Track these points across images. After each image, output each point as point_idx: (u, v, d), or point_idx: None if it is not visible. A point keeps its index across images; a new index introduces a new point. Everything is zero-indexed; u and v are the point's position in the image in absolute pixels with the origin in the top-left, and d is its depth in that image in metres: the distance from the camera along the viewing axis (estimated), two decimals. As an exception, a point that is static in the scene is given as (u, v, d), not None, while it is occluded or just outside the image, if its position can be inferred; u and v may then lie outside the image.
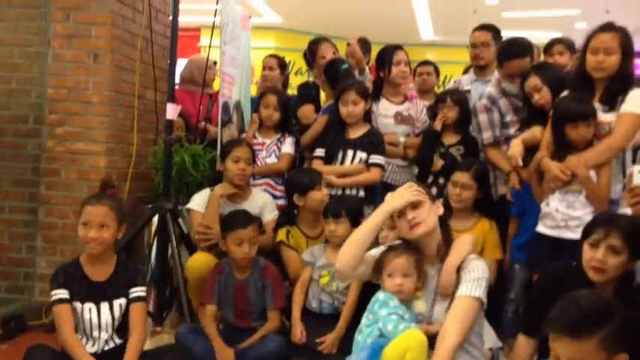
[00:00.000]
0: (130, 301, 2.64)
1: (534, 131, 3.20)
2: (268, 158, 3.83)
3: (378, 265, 2.44)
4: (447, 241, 2.45)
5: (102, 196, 2.81)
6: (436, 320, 2.37)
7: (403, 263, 2.37)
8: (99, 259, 2.63)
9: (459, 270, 2.34)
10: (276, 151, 3.86)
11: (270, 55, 5.02)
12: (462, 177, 3.25)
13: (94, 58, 3.84)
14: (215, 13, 4.08)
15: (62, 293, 2.57)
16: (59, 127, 3.85)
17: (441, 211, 2.46)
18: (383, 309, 2.33)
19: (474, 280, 2.29)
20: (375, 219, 2.44)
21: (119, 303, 2.63)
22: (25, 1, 3.91)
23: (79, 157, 3.82)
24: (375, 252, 2.50)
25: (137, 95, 4.05)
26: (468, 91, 3.97)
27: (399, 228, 2.45)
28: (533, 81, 3.24)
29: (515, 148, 3.16)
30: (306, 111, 4.18)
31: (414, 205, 2.38)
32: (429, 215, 2.39)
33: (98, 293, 2.61)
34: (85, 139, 3.82)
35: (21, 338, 3.34)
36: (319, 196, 3.27)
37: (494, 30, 4.04)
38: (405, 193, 2.41)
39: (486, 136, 3.59)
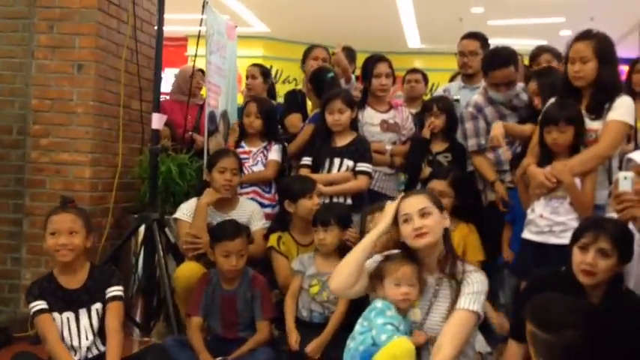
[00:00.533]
0: (106, 302, 2.62)
1: (525, 127, 3.24)
2: (255, 166, 3.82)
3: (377, 274, 2.42)
4: (449, 252, 2.42)
5: (66, 206, 2.79)
6: (429, 329, 2.36)
7: (409, 272, 2.35)
8: (72, 268, 2.62)
9: (459, 281, 2.34)
10: (262, 159, 3.84)
11: (253, 65, 5.02)
12: (438, 185, 3.27)
13: (78, 69, 3.82)
14: (200, 22, 4.08)
15: (40, 304, 2.56)
16: (43, 138, 3.83)
17: (447, 223, 2.43)
18: (379, 317, 2.31)
19: (474, 294, 2.30)
20: (368, 240, 2.43)
21: (96, 308, 2.61)
22: (9, 12, 3.90)
23: (64, 168, 3.80)
24: (370, 262, 2.48)
25: (122, 105, 4.04)
26: (457, 100, 3.98)
27: (402, 233, 2.40)
28: (533, 86, 3.35)
29: (497, 130, 3.23)
30: (293, 120, 4.18)
31: (423, 214, 2.35)
32: (436, 226, 2.36)
33: (75, 301, 2.60)
34: (70, 150, 3.80)
35: (6, 350, 3.29)
36: (310, 204, 3.26)
37: (482, 38, 4.09)
38: (390, 210, 2.41)
39: (471, 143, 3.61)
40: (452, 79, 4.71)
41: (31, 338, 3.39)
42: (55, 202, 3.72)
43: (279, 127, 4.23)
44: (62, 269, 2.63)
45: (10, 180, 3.84)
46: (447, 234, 2.43)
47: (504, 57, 3.54)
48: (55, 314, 2.57)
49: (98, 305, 2.61)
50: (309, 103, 4.32)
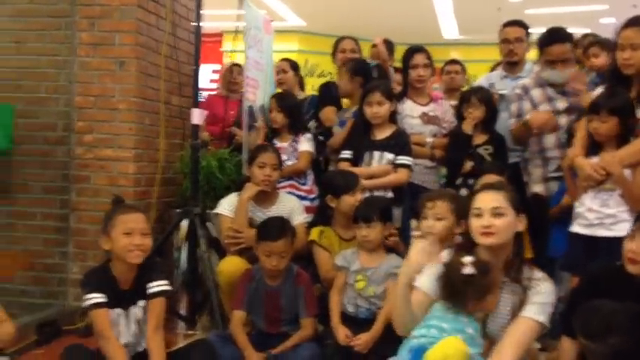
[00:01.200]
0: (149, 298, 2.60)
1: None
2: (288, 161, 3.82)
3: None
4: (518, 257, 2.33)
5: (133, 205, 2.79)
6: (488, 331, 2.30)
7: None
8: (128, 267, 2.59)
9: (525, 287, 2.26)
10: (293, 152, 3.85)
11: (282, 59, 5.03)
12: (493, 180, 3.19)
13: (119, 66, 3.87)
14: (237, 17, 4.09)
15: (98, 297, 2.53)
16: (87, 135, 3.89)
17: (521, 227, 2.33)
18: (434, 319, 2.22)
19: (542, 304, 2.23)
20: (402, 280, 2.39)
21: (143, 304, 2.60)
22: (51, 11, 3.96)
23: (108, 164, 3.85)
24: (427, 286, 2.33)
25: (163, 101, 4.08)
26: (502, 95, 3.92)
27: (471, 226, 2.31)
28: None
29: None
30: (327, 113, 4.17)
31: (496, 213, 2.25)
32: (507, 228, 2.26)
33: (126, 298, 2.59)
34: (114, 146, 3.85)
35: (56, 343, 3.36)
36: (352, 201, 3.23)
37: (525, 26, 4.07)
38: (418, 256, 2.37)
39: (511, 122, 3.62)
40: (493, 69, 4.65)
41: (80, 330, 3.46)
42: (99, 198, 3.83)
43: (315, 120, 4.24)
44: (119, 266, 2.59)
45: (56, 176, 3.91)
46: (518, 237, 2.33)
47: (562, 34, 3.56)
48: (109, 309, 2.56)
49: (144, 302, 2.60)
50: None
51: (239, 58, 4.51)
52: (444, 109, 3.95)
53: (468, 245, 2.35)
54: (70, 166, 3.89)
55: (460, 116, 3.71)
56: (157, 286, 2.60)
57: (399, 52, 4.16)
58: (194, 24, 4.11)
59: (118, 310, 2.58)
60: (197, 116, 3.73)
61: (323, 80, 4.69)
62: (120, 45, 3.87)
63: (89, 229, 3.85)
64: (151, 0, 3.99)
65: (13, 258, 3.63)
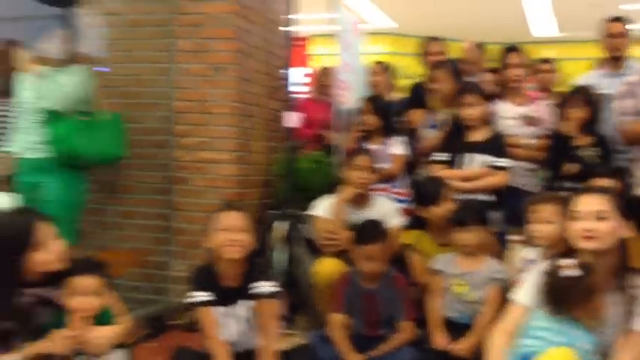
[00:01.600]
0: (257, 299, 2.61)
1: None
2: (379, 164, 3.82)
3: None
4: (623, 265, 2.22)
5: (235, 204, 2.87)
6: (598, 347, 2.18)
7: None
8: (233, 265, 2.63)
9: (633, 296, 2.15)
10: (384, 155, 3.84)
11: (375, 62, 5.04)
12: (606, 183, 3.09)
13: (217, 71, 3.99)
14: (325, 22, 4.14)
15: (203, 295, 2.60)
16: (187, 138, 4.02)
17: (627, 233, 2.22)
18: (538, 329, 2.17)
19: None
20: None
21: (248, 304, 2.62)
22: (152, 20, 4.13)
23: (207, 166, 3.97)
24: (526, 298, 2.25)
25: (259, 105, 4.18)
26: (605, 94, 3.79)
27: (569, 230, 2.22)
28: None
29: None
30: (414, 115, 4.15)
31: (600, 217, 2.17)
32: (610, 233, 2.16)
33: (231, 297, 2.62)
34: (213, 149, 3.97)
35: (163, 337, 3.50)
36: (440, 212, 3.21)
37: (627, 22, 3.95)
38: None
39: (620, 121, 3.52)
40: (594, 68, 4.49)
41: (184, 326, 3.59)
42: (199, 199, 3.96)
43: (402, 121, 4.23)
44: (223, 264, 2.65)
45: (159, 178, 4.07)
46: (623, 244, 2.22)
47: None
48: (214, 307, 2.61)
49: (250, 301, 2.63)
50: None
51: (326, 62, 4.57)
52: (543, 109, 3.84)
53: (568, 251, 2.26)
54: (171, 168, 4.04)
55: (561, 116, 3.60)
56: (266, 286, 2.63)
57: (489, 52, 4.09)
58: (285, 28, 4.20)
59: (224, 309, 2.63)
60: (291, 119, 3.80)
61: (411, 82, 4.65)
62: (218, 51, 3.99)
63: (189, 228, 3.98)
64: (244, 7, 4.09)
65: (125, 256, 3.82)
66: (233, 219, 2.63)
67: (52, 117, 3.39)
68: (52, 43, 3.55)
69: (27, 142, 3.45)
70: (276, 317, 2.65)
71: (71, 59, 3.47)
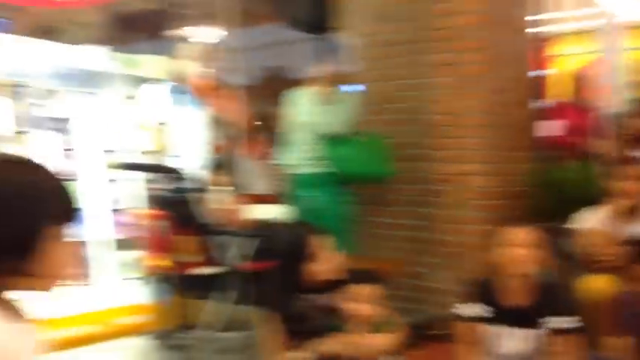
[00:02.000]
0: (553, 332, 2.50)
1: None
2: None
3: None
4: None
5: (522, 222, 2.77)
6: None
7: None
8: (517, 284, 2.55)
9: None
10: None
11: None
12: None
13: (469, 83, 3.99)
14: (574, 19, 3.88)
15: (469, 308, 2.60)
16: (444, 151, 4.09)
17: None
18: None
19: None
20: None
21: (537, 332, 2.52)
22: (405, 39, 4.25)
23: (462, 178, 4.01)
24: None
25: (509, 114, 4.10)
26: None
27: None
28: None
29: None
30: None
31: None
32: None
33: (512, 318, 2.55)
34: (465, 161, 4.00)
35: (423, 347, 3.57)
36: None
37: None
38: None
39: None
40: None
41: (444, 337, 3.65)
42: (455, 211, 4.00)
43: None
44: (504, 282, 2.57)
45: (417, 190, 4.20)
46: None
47: None
48: (486, 325, 2.58)
49: (541, 330, 2.51)
50: None
51: (577, 62, 4.29)
52: None
53: None
54: (429, 181, 4.14)
55: None
56: (571, 321, 2.51)
57: None
58: (533, 29, 4.04)
59: (500, 329, 2.56)
60: (550, 127, 3.66)
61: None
62: (469, 64, 4.00)
63: (450, 240, 4.05)
64: (492, 16, 4.03)
65: (392, 265, 3.98)
66: (515, 235, 2.60)
67: (334, 137, 3.68)
68: (322, 66, 3.87)
69: (302, 157, 3.80)
70: (572, 354, 2.53)
71: (340, 80, 3.75)
